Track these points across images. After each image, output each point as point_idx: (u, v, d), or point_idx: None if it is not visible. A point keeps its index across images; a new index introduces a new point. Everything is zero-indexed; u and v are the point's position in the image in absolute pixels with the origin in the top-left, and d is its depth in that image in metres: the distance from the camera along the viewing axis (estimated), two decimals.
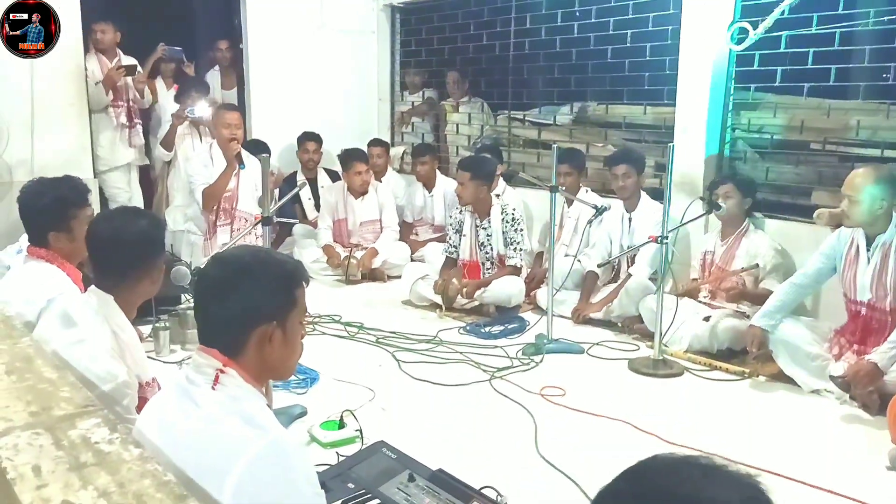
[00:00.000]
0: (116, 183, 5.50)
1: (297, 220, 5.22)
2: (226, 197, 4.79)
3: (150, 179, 6.03)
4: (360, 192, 5.45)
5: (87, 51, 5.29)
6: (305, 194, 5.83)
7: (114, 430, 1.35)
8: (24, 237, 2.80)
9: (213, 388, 1.45)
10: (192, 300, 1.58)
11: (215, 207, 4.79)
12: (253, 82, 6.16)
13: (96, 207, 4.01)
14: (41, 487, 1.17)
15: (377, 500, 2.13)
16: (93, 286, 2.11)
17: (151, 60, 5.80)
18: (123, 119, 5.45)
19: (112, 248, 2.07)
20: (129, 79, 5.44)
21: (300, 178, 5.79)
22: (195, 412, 1.45)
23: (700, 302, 4.07)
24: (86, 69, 5.22)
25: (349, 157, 5.46)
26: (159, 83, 6.09)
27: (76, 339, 1.98)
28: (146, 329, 3.61)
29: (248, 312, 1.48)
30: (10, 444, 1.31)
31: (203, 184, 4.78)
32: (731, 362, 3.70)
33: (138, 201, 5.59)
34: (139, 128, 5.62)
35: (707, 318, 3.88)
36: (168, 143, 5.60)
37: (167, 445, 1.43)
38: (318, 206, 5.77)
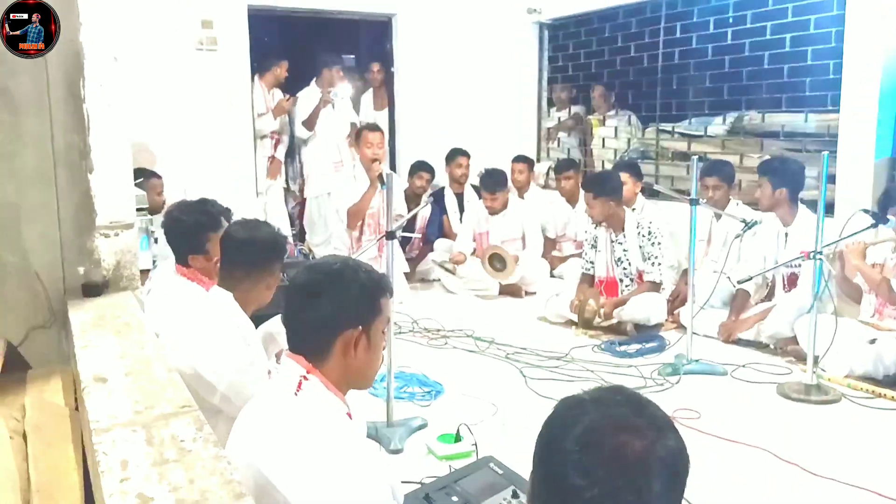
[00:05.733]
0: (271, 202, 5.87)
1: (418, 235, 5.31)
2: (370, 214, 4.97)
3: (304, 201, 6.35)
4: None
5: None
6: (452, 209, 5.93)
7: (199, 430, 1.45)
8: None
9: (296, 395, 1.50)
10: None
11: (359, 224, 4.98)
12: (401, 102, 6.38)
13: None
14: (124, 480, 1.27)
15: None
16: (215, 286, 2.27)
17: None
18: (270, 149, 5.83)
19: (244, 246, 2.29)
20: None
21: (447, 193, 5.93)
22: (275, 416, 1.51)
23: (864, 322, 3.70)
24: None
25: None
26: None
27: (198, 340, 2.15)
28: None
29: (335, 316, 1.54)
30: (110, 439, 1.43)
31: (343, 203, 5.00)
32: None
33: (284, 219, 5.86)
34: (281, 158, 5.97)
35: (873, 341, 3.52)
36: (310, 122, 5.86)
37: (247, 445, 1.51)
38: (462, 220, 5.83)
